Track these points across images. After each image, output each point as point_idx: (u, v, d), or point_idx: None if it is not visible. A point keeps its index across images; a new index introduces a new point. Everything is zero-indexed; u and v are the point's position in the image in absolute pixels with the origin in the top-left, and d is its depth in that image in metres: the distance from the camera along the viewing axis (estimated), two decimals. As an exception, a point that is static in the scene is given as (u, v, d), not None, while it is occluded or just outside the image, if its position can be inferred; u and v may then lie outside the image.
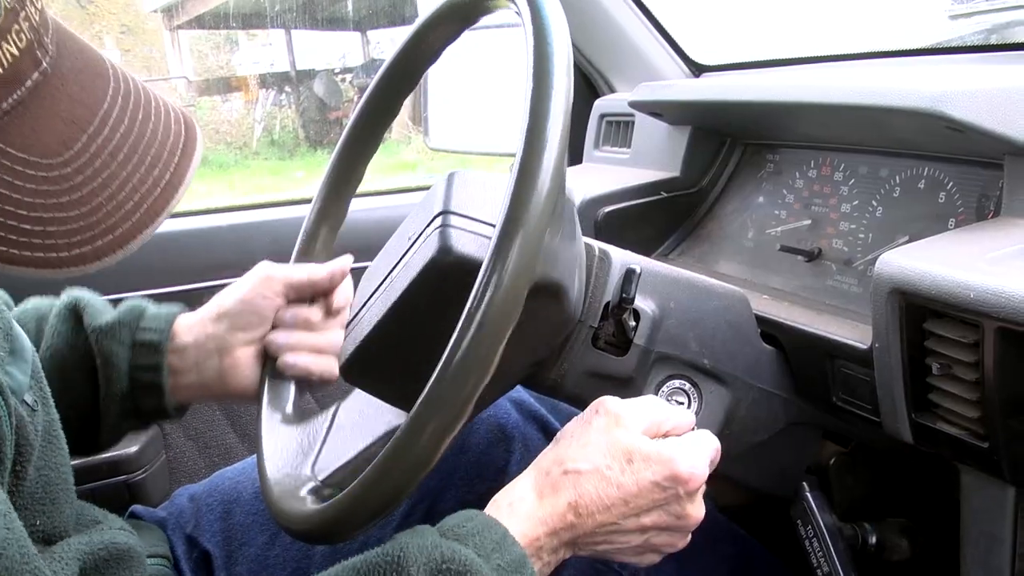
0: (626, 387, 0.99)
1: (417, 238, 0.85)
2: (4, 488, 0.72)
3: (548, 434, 1.15)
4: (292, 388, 1.03)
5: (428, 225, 0.84)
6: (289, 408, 1.00)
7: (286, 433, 0.96)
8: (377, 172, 1.10)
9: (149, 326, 1.04)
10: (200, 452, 1.57)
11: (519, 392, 1.18)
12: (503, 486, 1.07)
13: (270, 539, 1.08)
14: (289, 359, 1.03)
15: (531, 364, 0.96)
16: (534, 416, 1.16)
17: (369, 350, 0.86)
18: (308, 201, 1.07)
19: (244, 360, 1.05)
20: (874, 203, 1.12)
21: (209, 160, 7.91)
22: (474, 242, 0.81)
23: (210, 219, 1.73)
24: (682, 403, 1.00)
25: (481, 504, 1.11)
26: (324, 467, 0.90)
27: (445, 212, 0.83)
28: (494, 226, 0.68)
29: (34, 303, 1.09)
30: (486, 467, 1.12)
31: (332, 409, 0.99)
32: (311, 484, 0.87)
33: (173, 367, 1.04)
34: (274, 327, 1.06)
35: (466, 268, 0.78)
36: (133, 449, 1.45)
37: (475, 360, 0.66)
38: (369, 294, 0.90)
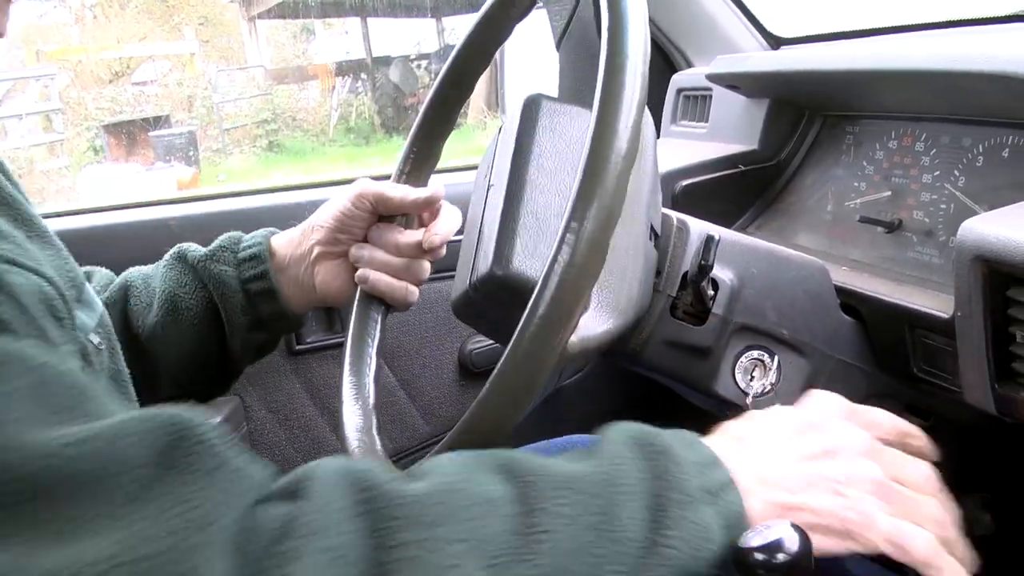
0: (704, 357, 0.99)
1: None
2: None
3: None
4: (378, 328, 1.05)
5: None
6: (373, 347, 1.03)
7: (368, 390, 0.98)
8: (451, 157, 1.11)
9: (248, 244, 1.10)
10: (281, 424, 1.60)
11: None
12: None
13: None
14: (365, 274, 1.06)
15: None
16: None
17: (476, 295, 0.87)
18: (385, 178, 1.09)
19: (335, 271, 1.09)
20: (956, 173, 1.10)
21: (286, 147, 8.03)
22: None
23: (288, 195, 1.75)
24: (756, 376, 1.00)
25: None
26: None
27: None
28: None
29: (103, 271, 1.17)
30: None
31: None
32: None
33: (276, 278, 1.10)
34: (365, 241, 1.09)
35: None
36: (215, 421, 1.49)
37: (556, 316, 0.65)
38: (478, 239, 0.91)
